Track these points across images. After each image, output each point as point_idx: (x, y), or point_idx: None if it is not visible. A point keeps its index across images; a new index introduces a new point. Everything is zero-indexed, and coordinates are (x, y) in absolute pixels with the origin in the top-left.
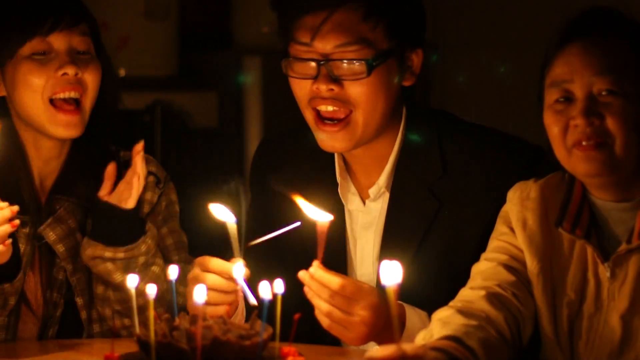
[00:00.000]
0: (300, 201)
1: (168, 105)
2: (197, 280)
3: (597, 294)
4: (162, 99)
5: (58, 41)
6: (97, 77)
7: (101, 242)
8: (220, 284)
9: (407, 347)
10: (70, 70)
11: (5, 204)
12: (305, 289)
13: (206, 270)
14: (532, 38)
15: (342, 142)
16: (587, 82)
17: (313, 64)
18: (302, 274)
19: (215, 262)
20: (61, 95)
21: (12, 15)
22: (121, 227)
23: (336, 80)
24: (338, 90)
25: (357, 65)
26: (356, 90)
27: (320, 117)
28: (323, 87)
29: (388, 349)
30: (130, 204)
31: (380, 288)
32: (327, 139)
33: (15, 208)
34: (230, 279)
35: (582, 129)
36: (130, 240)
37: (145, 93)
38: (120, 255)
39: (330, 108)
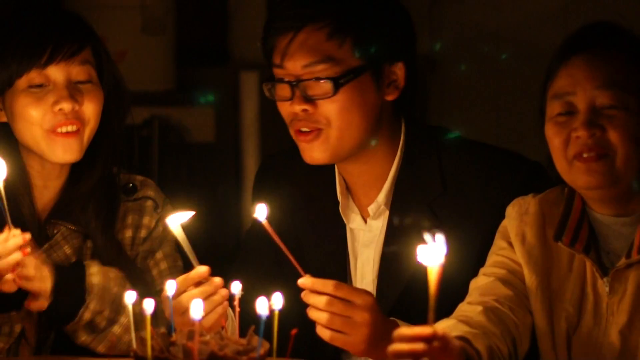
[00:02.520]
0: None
1: (165, 120)
2: (181, 305)
3: (595, 309)
4: (159, 113)
5: (56, 73)
6: (96, 107)
7: (48, 320)
8: (197, 292)
9: (438, 327)
10: (67, 106)
11: (18, 231)
12: (308, 309)
13: (179, 293)
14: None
15: (319, 152)
16: (589, 95)
17: (287, 86)
18: (302, 280)
19: (179, 280)
20: (59, 130)
21: (10, 45)
22: (52, 313)
23: (309, 100)
24: (312, 110)
25: (324, 84)
26: (327, 109)
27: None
28: (297, 108)
29: (419, 328)
30: (41, 307)
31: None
32: (306, 150)
33: (28, 236)
34: (201, 283)
35: (583, 140)
36: (67, 319)
37: (142, 108)
38: (69, 327)
39: (306, 129)
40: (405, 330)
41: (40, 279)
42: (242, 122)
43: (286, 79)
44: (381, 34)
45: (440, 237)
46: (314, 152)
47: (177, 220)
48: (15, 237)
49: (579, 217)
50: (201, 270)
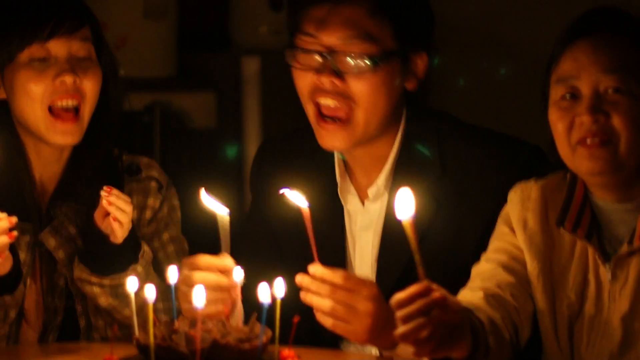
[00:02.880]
0: (287, 191)
1: (166, 105)
2: (188, 281)
3: (597, 296)
4: (160, 99)
5: (57, 47)
6: (96, 83)
7: (88, 267)
8: (212, 280)
9: (431, 283)
10: (69, 79)
11: (4, 214)
12: (302, 294)
13: (196, 268)
14: (531, 39)
15: (342, 141)
16: (594, 79)
17: (317, 56)
18: (299, 278)
19: (204, 259)
20: (59, 104)
21: (12, 19)
22: (108, 257)
23: (339, 74)
24: (341, 84)
25: (362, 61)
26: (359, 87)
27: (322, 115)
28: (326, 80)
29: (413, 287)
30: (117, 240)
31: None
32: (327, 137)
33: (14, 219)
34: (221, 273)
35: (587, 126)
36: (117, 269)
37: (143, 93)
38: (106, 282)
39: (331, 102)
40: (400, 295)
41: (130, 213)
42: (243, 107)
43: (313, 48)
44: (416, 20)
45: (406, 191)
46: (336, 141)
47: (218, 209)
48: (1, 220)
49: (581, 202)
50: (229, 263)
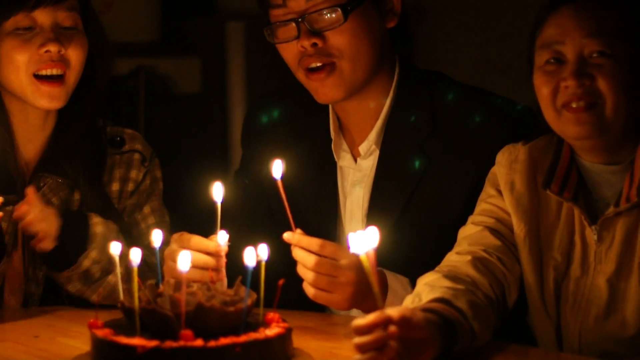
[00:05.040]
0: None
1: (151, 70)
2: (175, 256)
3: (583, 257)
4: (145, 64)
5: (43, 16)
6: (81, 53)
7: (45, 264)
8: (199, 260)
9: (392, 311)
10: (53, 48)
11: None
12: (293, 250)
13: (186, 247)
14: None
15: (333, 88)
16: (578, 43)
17: (293, 24)
18: (287, 235)
19: (195, 240)
20: (44, 72)
21: None
22: (55, 257)
23: (317, 34)
24: (321, 43)
25: (332, 14)
26: (338, 40)
27: (308, 70)
28: (306, 43)
29: (372, 316)
30: (46, 248)
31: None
32: (319, 88)
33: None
34: (210, 255)
35: (572, 89)
36: (67, 264)
37: (128, 59)
38: (65, 274)
39: (319, 63)
40: (359, 321)
41: (47, 220)
42: (228, 72)
43: (290, 17)
44: None
45: (371, 228)
46: (328, 90)
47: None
48: None
49: (568, 165)
50: (221, 248)
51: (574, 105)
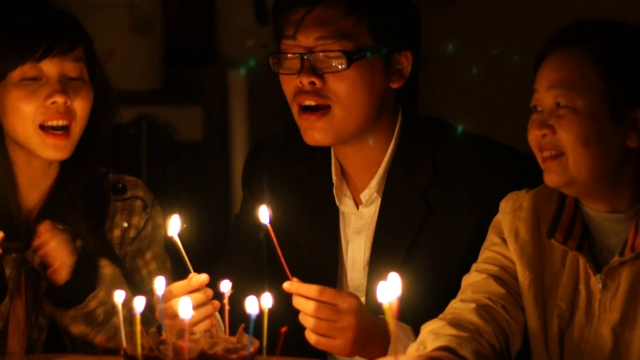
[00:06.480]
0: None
1: (153, 119)
2: (170, 312)
3: (588, 306)
4: (147, 112)
5: (49, 67)
6: (87, 104)
7: (49, 302)
8: (193, 299)
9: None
10: (60, 99)
11: None
12: (294, 299)
13: (172, 298)
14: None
15: (321, 132)
16: (544, 94)
17: (296, 58)
18: (286, 284)
19: (175, 287)
20: (50, 123)
21: (5, 38)
22: (65, 291)
23: (318, 74)
24: (320, 84)
25: (336, 58)
26: (337, 85)
27: (302, 108)
28: (305, 80)
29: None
30: (61, 278)
31: (370, 295)
32: (308, 130)
33: (1, 234)
34: (197, 291)
35: (538, 139)
36: (75, 302)
37: (130, 107)
38: (71, 313)
39: (312, 103)
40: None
41: (65, 252)
42: (230, 120)
43: (296, 51)
44: (395, 19)
45: (394, 276)
46: (317, 133)
47: (175, 228)
48: None
49: (572, 213)
50: (202, 278)
51: (545, 154)
